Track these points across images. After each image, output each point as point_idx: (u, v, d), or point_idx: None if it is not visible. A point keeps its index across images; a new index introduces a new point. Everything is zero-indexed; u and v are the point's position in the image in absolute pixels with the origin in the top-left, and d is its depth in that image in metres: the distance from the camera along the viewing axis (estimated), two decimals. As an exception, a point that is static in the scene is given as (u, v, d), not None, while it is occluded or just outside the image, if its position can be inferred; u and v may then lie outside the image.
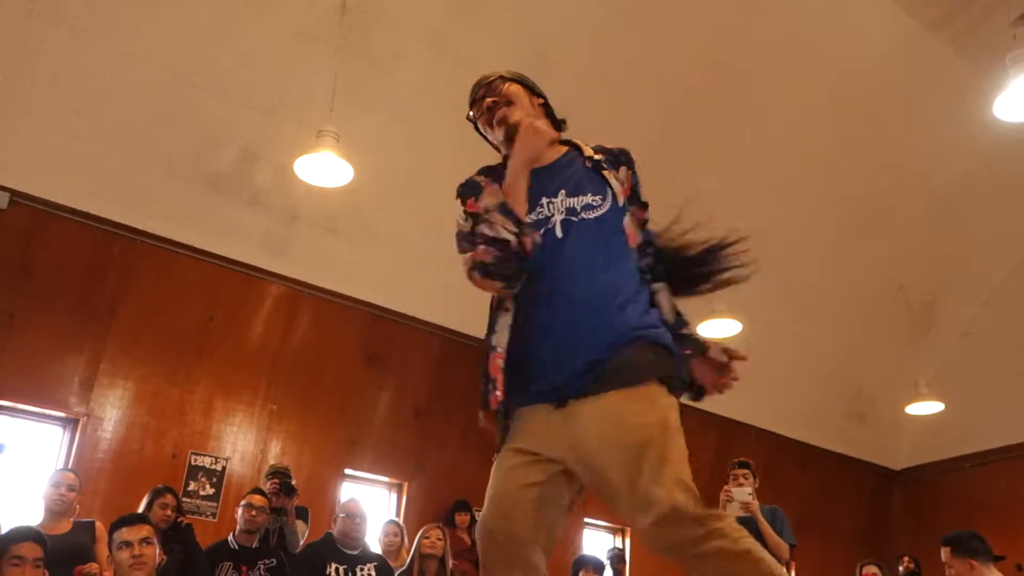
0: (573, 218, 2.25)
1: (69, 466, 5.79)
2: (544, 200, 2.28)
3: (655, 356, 2.16)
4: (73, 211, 6.23)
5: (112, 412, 6.32)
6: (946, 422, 9.92)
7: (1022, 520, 8.92)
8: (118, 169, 6.27)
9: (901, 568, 7.90)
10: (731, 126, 7.47)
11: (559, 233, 2.23)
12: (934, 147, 8.21)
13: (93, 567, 4.37)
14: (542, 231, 2.22)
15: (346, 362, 7.47)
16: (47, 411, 6.17)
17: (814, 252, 8.27)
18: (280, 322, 7.17)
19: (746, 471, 5.94)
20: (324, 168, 5.69)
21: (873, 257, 8.87)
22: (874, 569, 6.81)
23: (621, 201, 2.31)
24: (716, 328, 7.77)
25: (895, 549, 9.33)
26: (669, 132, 7.21)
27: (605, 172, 2.34)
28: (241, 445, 6.81)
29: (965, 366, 9.97)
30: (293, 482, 5.63)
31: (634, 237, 2.31)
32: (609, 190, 2.30)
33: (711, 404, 9.06)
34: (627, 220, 2.31)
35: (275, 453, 6.93)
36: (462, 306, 7.80)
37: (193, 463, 6.54)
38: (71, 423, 6.24)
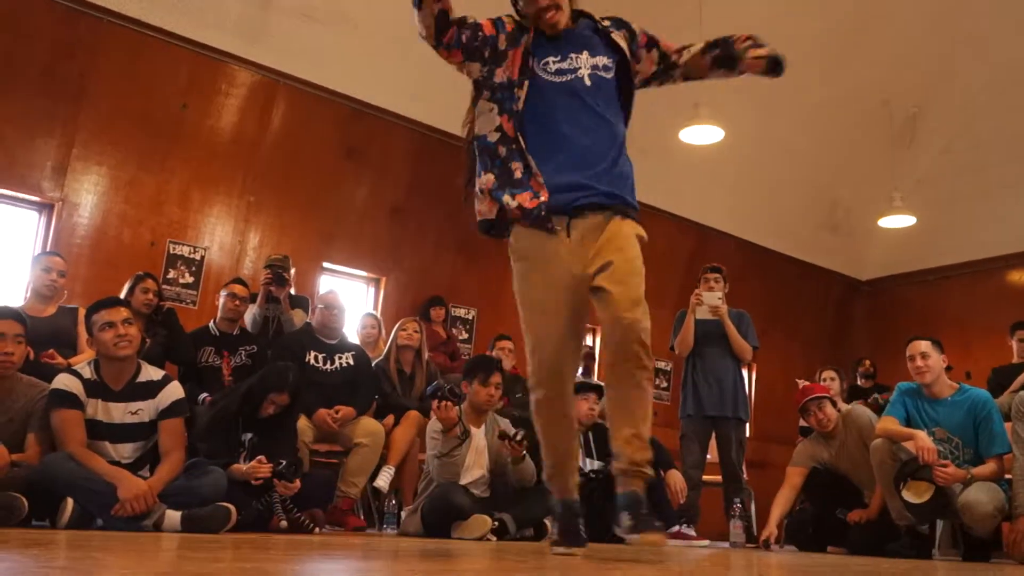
0: (598, 73, 2.75)
1: (48, 251, 5.79)
2: (572, 54, 2.75)
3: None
4: (35, -14, 5.93)
5: (87, 198, 6.27)
6: (915, 236, 10.12)
7: (975, 331, 9.28)
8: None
9: (861, 370, 8.28)
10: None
11: (587, 82, 2.73)
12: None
13: (57, 357, 4.47)
14: (571, 77, 2.73)
15: (324, 155, 7.39)
16: (20, 195, 6.11)
17: (801, 63, 8.06)
18: (256, 112, 7.01)
19: (717, 275, 6.07)
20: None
21: (859, 70, 8.70)
22: (832, 373, 7.11)
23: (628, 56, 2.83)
24: (698, 134, 7.70)
25: (855, 355, 9.71)
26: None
27: (614, 35, 2.83)
28: (219, 235, 6.83)
29: (942, 182, 10.04)
30: (289, 273, 5.70)
31: (645, 72, 2.92)
32: (617, 52, 2.82)
33: (688, 210, 9.20)
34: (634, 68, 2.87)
35: (254, 244, 6.97)
36: (443, 102, 7.66)
37: (172, 252, 6.57)
38: (46, 208, 6.20)
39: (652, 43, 2.90)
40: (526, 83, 2.68)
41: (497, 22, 2.75)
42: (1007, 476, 4.66)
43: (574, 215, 2.65)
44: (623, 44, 2.81)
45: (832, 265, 11.06)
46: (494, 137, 2.71)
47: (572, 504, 2.85)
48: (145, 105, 6.49)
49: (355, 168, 7.55)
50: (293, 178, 7.20)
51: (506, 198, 2.68)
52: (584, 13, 2.87)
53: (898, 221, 9.75)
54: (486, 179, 2.74)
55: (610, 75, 2.78)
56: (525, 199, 2.65)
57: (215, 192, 6.84)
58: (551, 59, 2.73)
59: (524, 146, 2.65)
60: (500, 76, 2.71)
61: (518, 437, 4.54)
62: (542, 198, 2.62)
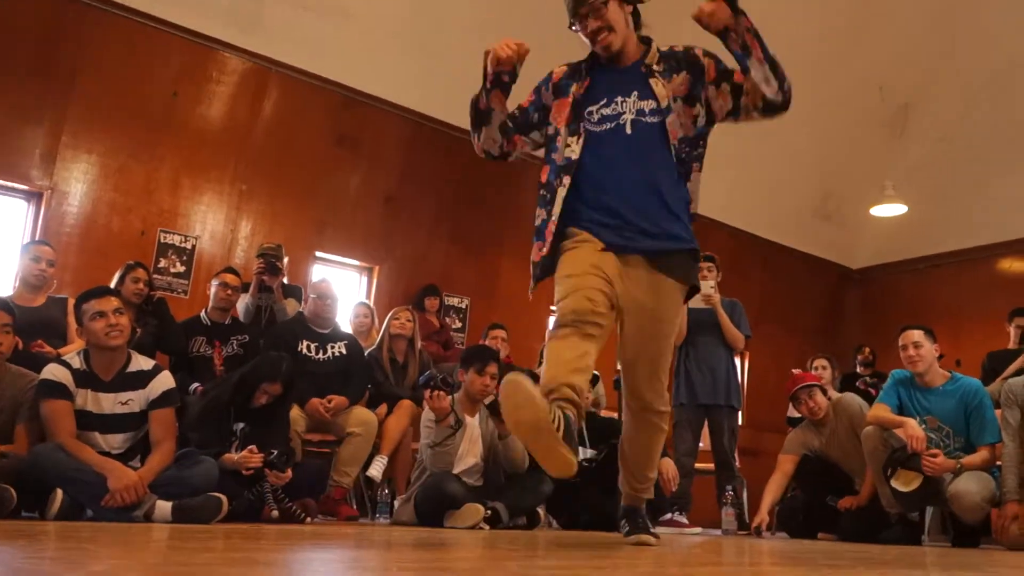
0: (641, 119, 2.73)
1: (36, 240, 5.76)
2: (619, 98, 2.76)
3: (690, 264, 2.86)
4: (23, -28, 5.88)
5: (77, 187, 6.23)
6: (907, 224, 10.14)
7: (966, 320, 9.30)
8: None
9: (860, 357, 8.28)
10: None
11: (628, 130, 2.73)
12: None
13: (46, 347, 4.45)
14: (612, 125, 2.74)
15: (317, 144, 7.35)
16: (9, 183, 6.07)
17: (798, 49, 8.07)
18: (248, 100, 6.98)
19: (710, 264, 6.06)
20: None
21: (854, 60, 8.69)
22: (824, 361, 7.12)
23: (665, 104, 2.74)
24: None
25: (847, 344, 9.73)
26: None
27: (652, 81, 2.76)
28: (211, 224, 6.80)
29: (933, 171, 10.04)
30: (282, 262, 5.68)
31: (677, 132, 2.76)
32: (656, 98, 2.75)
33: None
34: (671, 119, 2.74)
35: (245, 233, 6.94)
36: (438, 91, 7.65)
37: (162, 241, 6.54)
38: (35, 196, 6.16)
39: (723, 77, 2.79)
40: (582, 132, 2.75)
41: (538, 86, 2.91)
42: (998, 464, 4.69)
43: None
44: (664, 93, 2.75)
45: (825, 254, 11.07)
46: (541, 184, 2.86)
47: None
48: (135, 93, 6.45)
49: (348, 156, 7.52)
50: (285, 166, 7.16)
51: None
52: (647, 40, 2.86)
53: (890, 210, 9.78)
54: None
55: (656, 119, 2.74)
56: (535, 249, 2.83)
57: (206, 180, 6.80)
58: (595, 107, 2.78)
59: (551, 195, 2.78)
60: (551, 129, 2.84)
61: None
62: (543, 252, 2.76)
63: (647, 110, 2.73)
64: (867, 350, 8.26)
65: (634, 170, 2.71)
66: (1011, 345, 6.74)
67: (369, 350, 5.79)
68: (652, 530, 3.03)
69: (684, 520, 5.68)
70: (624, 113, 2.73)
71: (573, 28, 2.81)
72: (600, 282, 2.64)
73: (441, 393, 4.43)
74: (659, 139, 2.73)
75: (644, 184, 2.71)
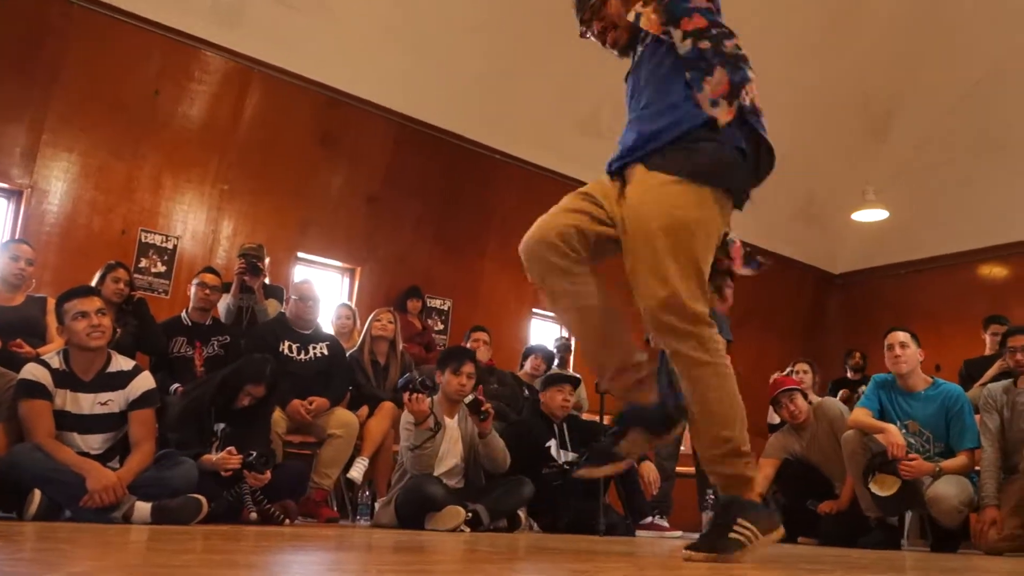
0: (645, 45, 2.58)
1: (15, 239, 5.71)
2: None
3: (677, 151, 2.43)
4: (4, -31, 5.83)
5: (57, 185, 6.19)
6: (888, 230, 10.22)
7: (947, 324, 9.36)
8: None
9: (851, 362, 8.29)
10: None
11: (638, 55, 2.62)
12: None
13: (25, 346, 4.41)
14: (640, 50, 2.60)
15: (299, 143, 7.33)
16: (-11, 181, 6.02)
17: (779, 57, 8.12)
18: (230, 99, 6.95)
19: (693, 269, 6.06)
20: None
21: (836, 65, 8.75)
22: (805, 366, 7.17)
23: (656, 30, 2.52)
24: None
25: (828, 348, 9.79)
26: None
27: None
28: (192, 224, 6.76)
29: (914, 176, 10.13)
30: (264, 263, 5.66)
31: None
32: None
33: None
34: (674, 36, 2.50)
35: (227, 233, 6.91)
36: (422, 91, 7.65)
37: (143, 240, 6.50)
38: (15, 195, 6.11)
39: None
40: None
41: None
42: (977, 469, 4.72)
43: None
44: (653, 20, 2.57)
45: (806, 258, 11.13)
46: None
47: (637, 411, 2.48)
48: (116, 91, 6.41)
49: (330, 157, 7.50)
50: (268, 166, 7.14)
51: None
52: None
53: (871, 215, 9.85)
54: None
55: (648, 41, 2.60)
56: None
57: (188, 180, 6.77)
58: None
59: None
60: None
61: (483, 407, 4.53)
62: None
63: (648, 39, 2.60)
64: (857, 355, 8.27)
65: (642, 92, 2.58)
66: (987, 352, 6.80)
67: (351, 352, 5.77)
68: (736, 534, 2.20)
69: (665, 523, 5.69)
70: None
71: (586, 36, 2.74)
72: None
73: (420, 396, 4.43)
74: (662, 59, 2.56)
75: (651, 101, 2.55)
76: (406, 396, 4.45)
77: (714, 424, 2.32)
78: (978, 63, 9.16)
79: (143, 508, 3.50)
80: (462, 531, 4.26)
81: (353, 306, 6.77)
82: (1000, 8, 8.51)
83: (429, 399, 4.51)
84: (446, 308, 8.12)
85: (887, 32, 8.72)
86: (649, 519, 5.60)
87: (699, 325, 2.32)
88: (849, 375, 8.17)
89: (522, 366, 6.81)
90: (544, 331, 8.74)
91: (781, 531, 2.27)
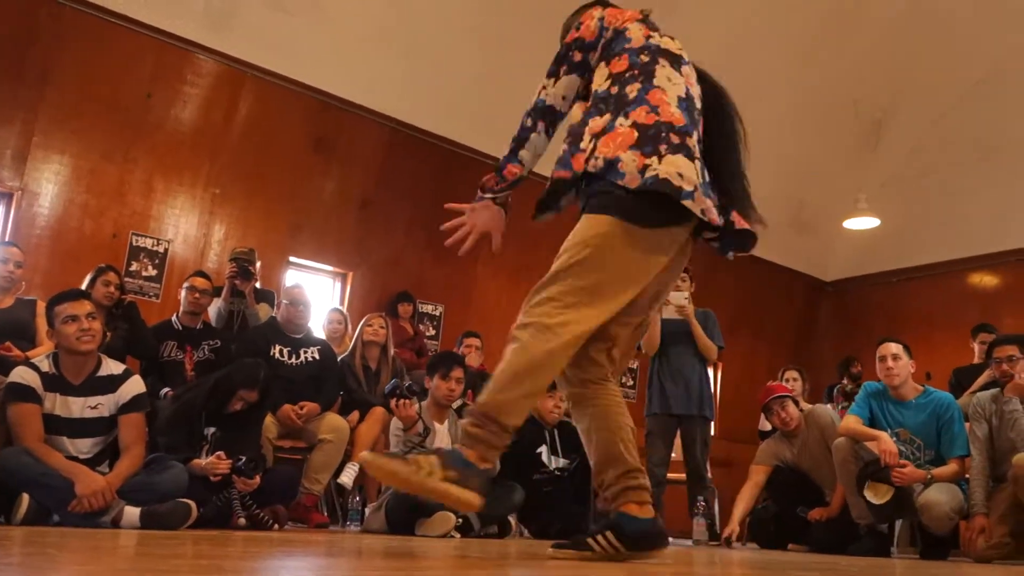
0: None
1: (5, 241, 5.69)
2: None
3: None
4: (-4, -29, 5.82)
5: (48, 187, 6.17)
6: (880, 238, 10.25)
7: (938, 332, 9.39)
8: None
9: (852, 370, 8.23)
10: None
11: None
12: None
13: (14, 349, 4.39)
14: None
15: (292, 148, 7.32)
16: (-21, 183, 6.00)
17: (775, 60, 8.14)
18: (223, 103, 6.93)
19: (684, 275, 6.08)
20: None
21: (828, 73, 8.79)
22: (795, 373, 7.18)
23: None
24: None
25: (818, 355, 9.81)
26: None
27: None
28: (183, 228, 6.75)
29: (906, 185, 10.17)
30: (255, 267, 5.66)
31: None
32: None
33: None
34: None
35: (218, 237, 6.89)
36: (415, 97, 7.64)
37: (134, 244, 6.48)
38: (5, 197, 6.09)
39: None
40: None
41: None
42: (967, 476, 4.74)
43: None
44: None
45: (797, 266, 11.15)
46: None
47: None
48: (109, 94, 6.40)
49: (323, 161, 7.49)
50: (260, 170, 7.12)
51: None
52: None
53: (863, 223, 9.88)
54: None
55: None
56: None
57: (179, 183, 6.75)
58: None
59: None
60: None
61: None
62: None
63: None
64: (857, 364, 8.20)
65: None
66: (976, 360, 6.82)
67: (342, 357, 5.76)
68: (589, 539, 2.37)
69: (655, 530, 5.68)
70: None
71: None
72: None
73: (407, 401, 4.43)
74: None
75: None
76: (393, 402, 4.46)
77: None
78: (967, 72, 9.22)
79: (132, 513, 3.49)
80: (452, 537, 4.25)
81: (345, 311, 6.77)
82: (991, 17, 8.56)
83: (417, 404, 4.51)
84: (438, 313, 8.12)
85: (878, 41, 8.76)
86: (640, 526, 5.59)
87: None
88: (844, 382, 8.14)
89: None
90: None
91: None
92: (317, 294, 7.16)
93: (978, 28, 8.73)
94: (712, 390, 6.44)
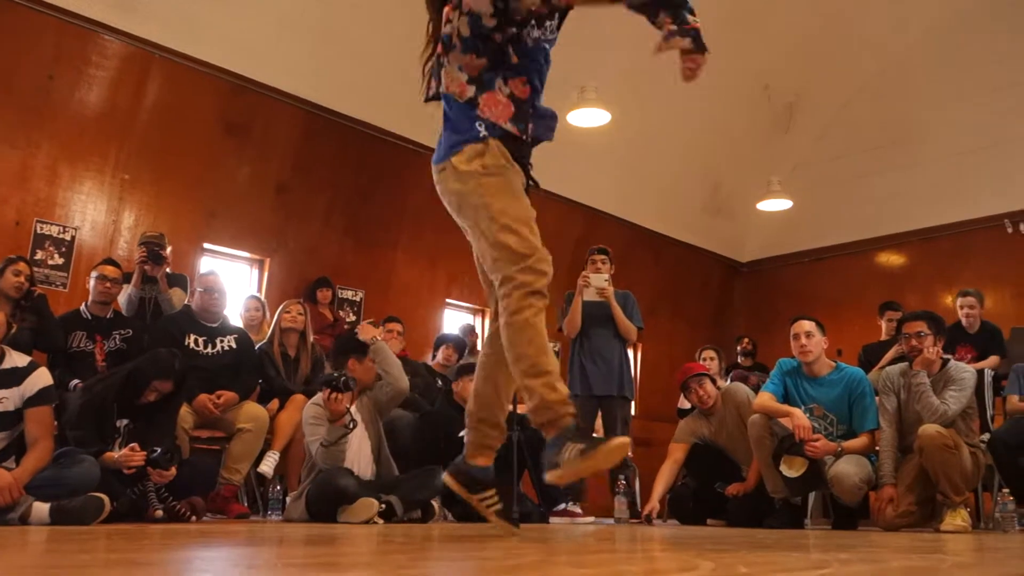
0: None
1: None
2: None
3: None
4: None
5: (-55, 174, 5.90)
6: (792, 219, 10.52)
7: (847, 310, 9.69)
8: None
9: (740, 347, 8.57)
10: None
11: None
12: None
13: None
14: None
15: (204, 132, 7.12)
16: None
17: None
18: (130, 86, 6.70)
19: (604, 257, 6.15)
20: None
21: (741, 57, 8.94)
22: (712, 353, 7.33)
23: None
24: (585, 117, 7.80)
25: (735, 334, 10.02)
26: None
27: None
28: (91, 214, 6.53)
29: (817, 167, 10.45)
30: (166, 251, 5.51)
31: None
32: None
33: (576, 193, 9.26)
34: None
35: (128, 224, 6.68)
36: (332, 80, 7.51)
37: (39, 231, 6.24)
38: (-101, 184, 5.81)
39: None
40: None
41: None
42: (877, 449, 4.91)
43: None
44: None
45: (714, 247, 11.37)
46: None
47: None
48: (7, 75, 6.12)
49: (236, 145, 7.31)
50: (171, 155, 6.92)
51: None
52: None
53: (776, 204, 10.12)
54: None
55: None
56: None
57: (86, 169, 6.52)
58: None
59: None
60: None
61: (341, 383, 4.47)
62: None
63: None
64: (746, 340, 8.59)
65: None
66: (883, 337, 7.07)
67: (260, 344, 5.66)
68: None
69: (578, 510, 5.76)
70: None
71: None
72: None
73: (340, 396, 4.40)
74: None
75: None
76: (327, 394, 4.40)
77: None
78: (876, 56, 9.49)
79: (41, 509, 3.39)
80: (375, 523, 4.22)
81: (262, 298, 6.65)
82: (894, 9, 8.82)
83: (348, 398, 4.49)
84: (358, 299, 8.04)
85: (789, 25, 8.94)
86: (562, 506, 5.66)
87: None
88: (740, 360, 8.43)
89: (434, 356, 6.79)
90: (457, 321, 8.72)
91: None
92: (234, 281, 7.02)
93: (883, 20, 9.01)
94: (632, 371, 6.53)
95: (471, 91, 2.55)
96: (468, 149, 2.53)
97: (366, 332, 4.81)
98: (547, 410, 2.38)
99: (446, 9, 2.59)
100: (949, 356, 5.03)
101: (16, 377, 3.67)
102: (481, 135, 2.52)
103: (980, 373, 5.42)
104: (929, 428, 4.54)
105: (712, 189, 10.62)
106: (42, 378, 3.73)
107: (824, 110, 10.17)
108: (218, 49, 6.94)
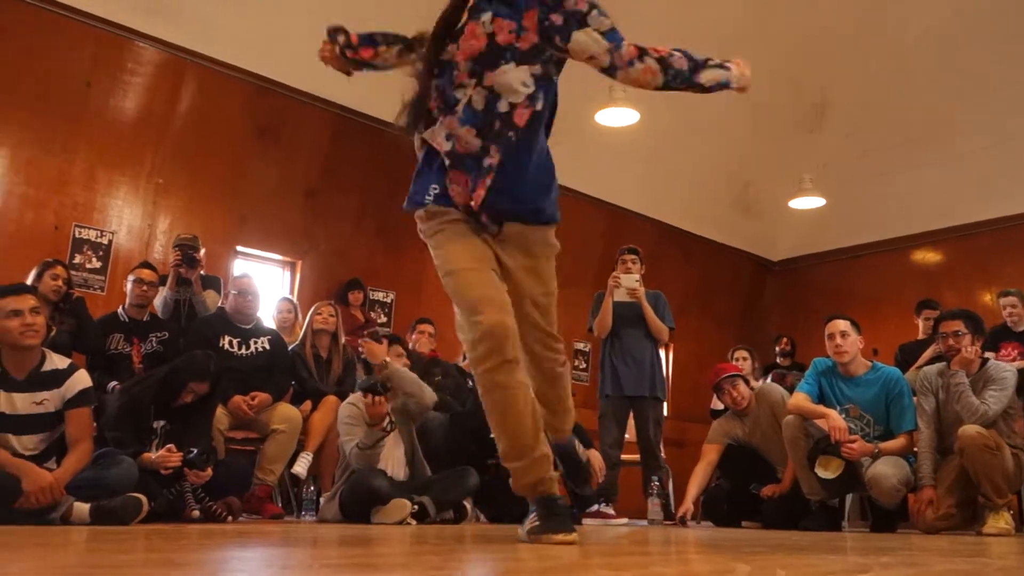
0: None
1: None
2: None
3: None
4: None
5: (-15, 180, 6.00)
6: (825, 217, 10.39)
7: (884, 308, 9.57)
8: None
9: (778, 348, 8.48)
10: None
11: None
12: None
13: None
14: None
15: (235, 136, 7.19)
16: (-88, 176, 5.82)
17: (714, 47, 8.16)
18: (164, 91, 6.79)
19: (634, 257, 6.13)
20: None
21: (770, 54, 8.87)
22: (745, 353, 7.28)
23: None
24: (614, 116, 7.77)
25: (767, 334, 9.94)
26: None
27: None
28: (127, 218, 6.61)
29: (849, 164, 10.31)
30: (200, 254, 5.57)
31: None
32: None
33: (604, 192, 9.25)
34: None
35: (163, 228, 6.77)
36: (360, 82, 7.52)
37: (78, 236, 6.34)
38: (-60, 190, 5.92)
39: None
40: None
41: None
42: (915, 450, 4.84)
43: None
44: None
45: (744, 246, 11.28)
46: None
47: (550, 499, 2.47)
48: (46, 83, 6.22)
49: (267, 149, 7.37)
50: (204, 159, 7.00)
51: None
52: None
53: (808, 203, 10.01)
54: None
55: None
56: None
57: (122, 174, 6.61)
58: None
59: None
60: None
61: (380, 386, 4.49)
62: None
63: None
64: (784, 340, 8.48)
65: None
66: (920, 336, 6.97)
67: (292, 346, 5.71)
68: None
69: (610, 511, 5.74)
70: None
71: None
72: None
73: (380, 399, 4.42)
74: None
75: None
76: (367, 398, 4.42)
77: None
78: (906, 51, 9.35)
79: (82, 509, 3.43)
80: (408, 524, 4.24)
81: (295, 300, 6.70)
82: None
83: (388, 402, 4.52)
84: (389, 300, 8.07)
85: (818, 21, 8.84)
86: (595, 507, 5.65)
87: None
88: (778, 360, 8.35)
89: (465, 357, 6.79)
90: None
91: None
92: (266, 283, 7.08)
93: (915, 8, 8.89)
94: (664, 371, 6.51)
95: None
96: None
97: (373, 355, 4.77)
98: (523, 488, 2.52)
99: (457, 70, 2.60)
100: (989, 355, 4.96)
101: (57, 379, 3.72)
102: None
103: (1021, 372, 5.33)
104: (970, 429, 4.47)
105: (742, 187, 10.54)
106: (82, 380, 3.78)
107: (855, 105, 10.01)
108: (248, 53, 7.00)
